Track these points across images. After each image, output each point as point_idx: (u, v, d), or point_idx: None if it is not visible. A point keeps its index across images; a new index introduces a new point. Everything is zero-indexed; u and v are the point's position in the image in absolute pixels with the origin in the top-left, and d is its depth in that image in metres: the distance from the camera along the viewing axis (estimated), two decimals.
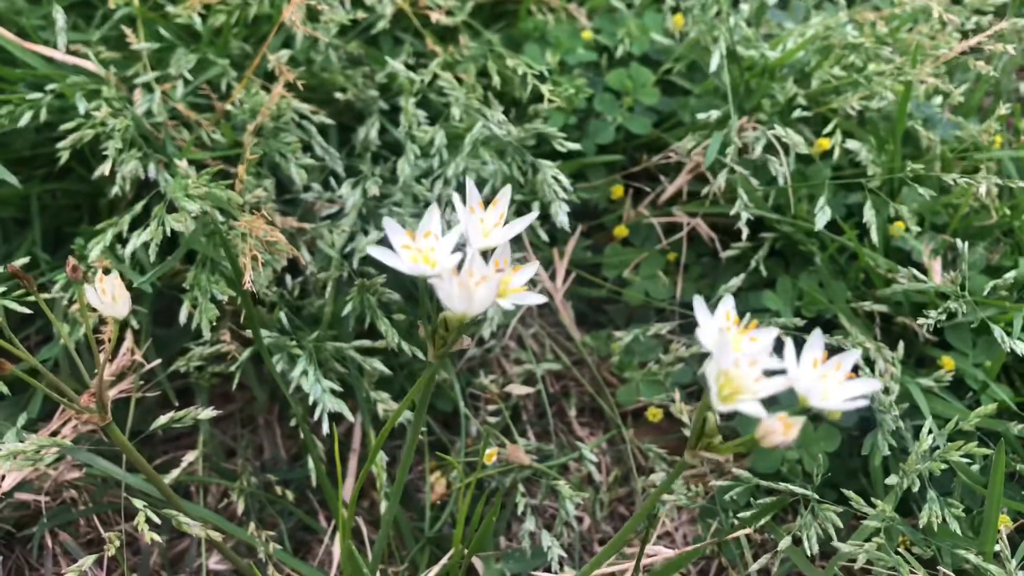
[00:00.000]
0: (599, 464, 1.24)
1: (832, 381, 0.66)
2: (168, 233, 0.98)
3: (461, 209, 0.72)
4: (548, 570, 1.11)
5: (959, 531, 0.92)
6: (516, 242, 1.28)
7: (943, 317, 1.06)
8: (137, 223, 1.09)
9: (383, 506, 1.07)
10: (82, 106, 1.16)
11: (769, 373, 0.65)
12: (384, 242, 0.72)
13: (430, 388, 0.78)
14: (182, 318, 1.01)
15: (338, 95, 1.25)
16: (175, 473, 1.06)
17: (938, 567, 0.93)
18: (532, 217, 0.75)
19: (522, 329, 1.33)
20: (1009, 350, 1.05)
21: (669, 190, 1.34)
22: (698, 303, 0.68)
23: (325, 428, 1.01)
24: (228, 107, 1.20)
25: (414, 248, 0.71)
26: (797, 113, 1.27)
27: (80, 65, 1.22)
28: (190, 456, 1.07)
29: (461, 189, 1.22)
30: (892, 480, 0.94)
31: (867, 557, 0.89)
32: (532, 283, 1.30)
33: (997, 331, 1.06)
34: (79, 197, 1.31)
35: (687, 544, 1.21)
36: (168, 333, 1.18)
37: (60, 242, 1.29)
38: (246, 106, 1.15)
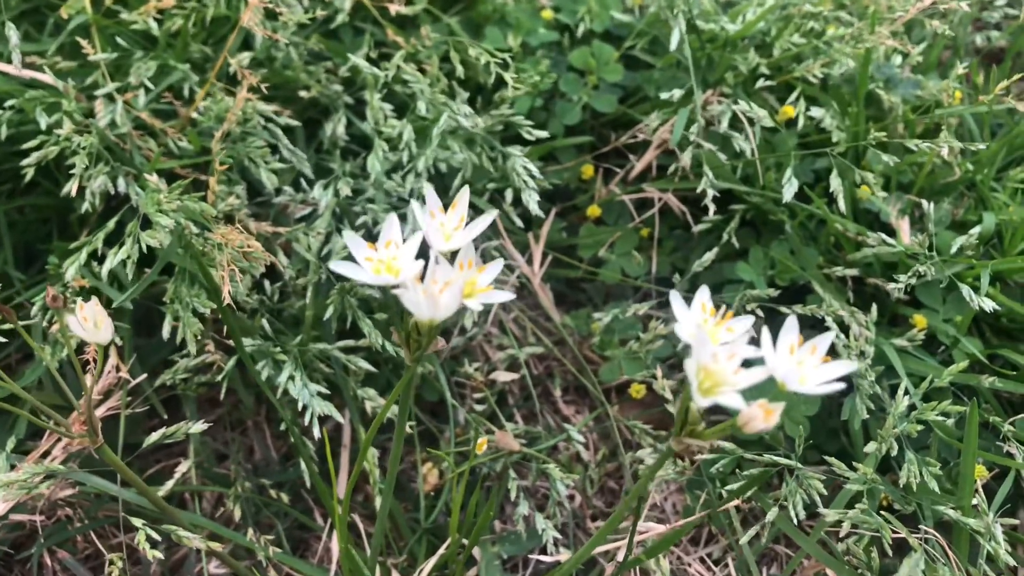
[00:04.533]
0: (587, 442, 1.26)
1: (809, 366, 0.68)
2: (144, 249, 0.98)
3: (420, 215, 0.73)
4: (543, 551, 1.13)
5: (937, 488, 0.95)
6: (491, 228, 1.29)
7: (912, 280, 1.08)
8: (112, 239, 1.09)
9: (378, 501, 1.09)
10: (43, 121, 1.14)
11: (748, 362, 0.67)
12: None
13: (411, 389, 0.79)
14: (165, 333, 1.01)
15: (302, 94, 1.24)
16: (169, 485, 1.07)
17: (919, 524, 0.96)
18: (491, 217, 0.75)
19: (503, 314, 1.34)
20: (977, 307, 1.07)
21: (638, 167, 1.35)
22: (675, 298, 0.70)
23: (316, 432, 1.02)
24: (193, 113, 1.19)
25: (376, 259, 0.72)
26: (761, 83, 1.28)
27: (37, 78, 1.21)
28: (183, 467, 1.08)
29: (432, 180, 1.23)
30: (871, 447, 0.97)
31: (852, 522, 0.92)
32: (509, 268, 1.32)
33: (965, 289, 1.09)
34: (47, 211, 1.30)
35: (677, 514, 1.24)
36: (151, 343, 1.18)
37: (32, 259, 1.29)
38: (211, 112, 1.15)
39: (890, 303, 1.27)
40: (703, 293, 0.71)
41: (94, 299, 0.73)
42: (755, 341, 0.68)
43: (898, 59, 1.37)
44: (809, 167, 1.34)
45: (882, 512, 0.99)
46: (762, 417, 0.65)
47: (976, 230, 1.24)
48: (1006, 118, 1.44)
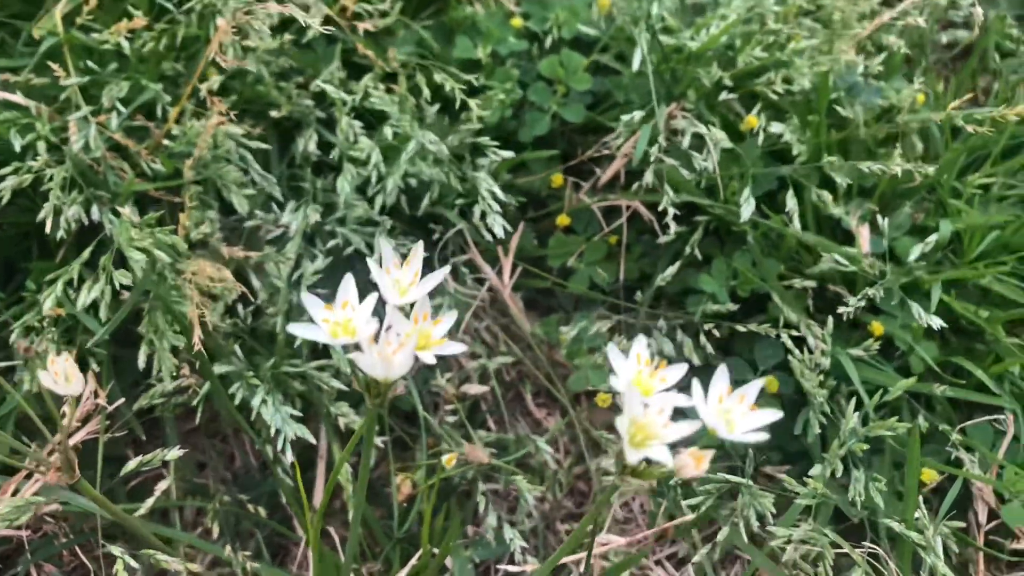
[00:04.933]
0: (557, 449, 1.31)
1: (737, 414, 0.72)
2: (117, 287, 1.02)
3: (377, 272, 0.76)
4: (512, 559, 1.18)
5: (882, 504, 0.99)
6: (460, 242, 1.32)
7: (862, 303, 1.12)
8: (90, 262, 1.12)
9: (352, 513, 1.13)
10: (17, 143, 1.17)
11: (681, 411, 0.71)
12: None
13: (373, 429, 0.83)
14: (141, 363, 1.05)
15: (273, 114, 1.26)
16: (149, 502, 1.11)
17: (869, 534, 1.01)
18: (443, 273, 0.79)
19: (476, 323, 1.37)
20: (925, 324, 1.11)
21: (605, 177, 1.38)
22: (612, 351, 0.73)
23: (289, 457, 1.06)
24: (165, 138, 1.22)
25: (333, 321, 0.75)
26: (724, 95, 1.30)
27: (10, 100, 1.23)
28: (162, 485, 1.12)
29: (403, 194, 1.26)
30: (816, 471, 1.01)
31: (799, 538, 0.97)
32: (479, 281, 1.35)
33: (915, 308, 1.12)
34: (26, 226, 1.33)
35: (644, 514, 1.28)
36: (130, 353, 1.22)
37: (12, 274, 1.32)
38: (184, 137, 1.17)
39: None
40: (639, 344, 0.75)
41: (65, 354, 0.76)
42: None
43: (861, 67, 1.39)
44: (773, 175, 1.37)
45: (832, 524, 1.04)
46: (693, 464, 0.69)
47: (933, 238, 1.27)
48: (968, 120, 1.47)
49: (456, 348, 0.77)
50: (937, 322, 1.11)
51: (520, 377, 1.40)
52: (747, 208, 1.16)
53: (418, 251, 0.79)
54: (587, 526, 0.84)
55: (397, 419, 1.31)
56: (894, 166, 1.27)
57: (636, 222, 1.42)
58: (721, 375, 0.73)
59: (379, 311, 0.77)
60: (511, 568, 1.10)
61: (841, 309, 1.11)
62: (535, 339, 1.32)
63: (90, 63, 1.23)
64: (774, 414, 0.72)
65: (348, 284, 0.77)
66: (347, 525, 1.27)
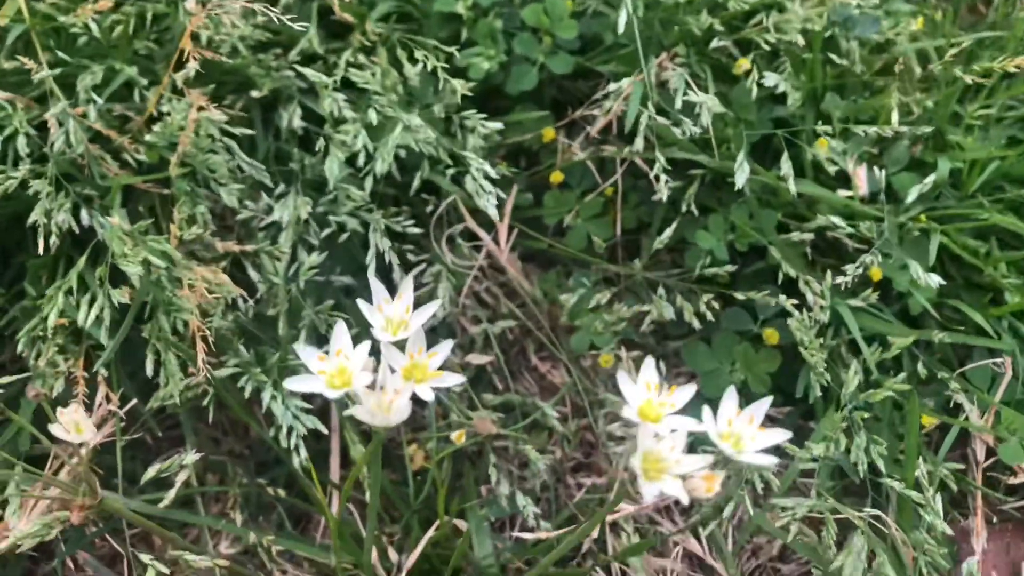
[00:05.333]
0: (563, 399, 1.33)
1: (747, 436, 0.73)
2: (116, 305, 1.01)
3: (368, 311, 0.76)
4: (525, 521, 1.22)
5: (884, 468, 1.02)
6: (454, 212, 1.31)
7: (860, 272, 1.12)
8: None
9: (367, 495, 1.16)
10: None
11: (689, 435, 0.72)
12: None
13: (379, 452, 0.85)
14: (149, 371, 1.06)
15: (254, 94, 1.23)
16: (172, 494, 1.14)
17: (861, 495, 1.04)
18: (435, 306, 0.79)
19: (476, 285, 1.38)
20: (924, 284, 1.11)
21: (595, 128, 1.35)
22: (622, 378, 0.74)
23: (304, 453, 1.08)
24: (146, 124, 1.19)
25: (329, 372, 0.76)
26: (716, 43, 1.27)
27: None
28: (182, 475, 1.15)
29: (389, 175, 1.24)
30: (818, 449, 1.03)
31: (802, 514, 1.00)
32: (476, 249, 1.34)
33: (913, 267, 1.12)
34: (15, 215, 1.31)
35: None
36: (134, 348, 1.22)
37: (6, 265, 1.31)
38: (165, 128, 1.14)
39: (848, 254, 1.30)
40: (648, 366, 0.75)
41: (74, 405, 0.77)
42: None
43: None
44: (768, 116, 1.34)
45: (830, 479, 1.08)
46: (705, 487, 0.71)
47: (931, 178, 1.26)
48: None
49: (454, 380, 0.78)
50: (936, 280, 1.11)
51: (523, 334, 1.41)
52: (742, 174, 1.14)
53: (408, 284, 0.79)
54: (585, 534, 0.87)
55: None
56: (889, 97, 1.25)
57: (632, 168, 1.40)
58: (729, 397, 0.74)
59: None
60: (526, 535, 1.14)
61: (839, 279, 1.11)
62: (537, 306, 1.33)
63: (60, 53, 1.19)
64: (780, 434, 0.73)
65: (340, 332, 0.77)
66: (363, 490, 1.30)
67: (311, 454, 1.18)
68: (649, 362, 0.76)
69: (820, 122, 1.29)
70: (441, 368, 0.79)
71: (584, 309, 1.32)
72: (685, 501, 0.69)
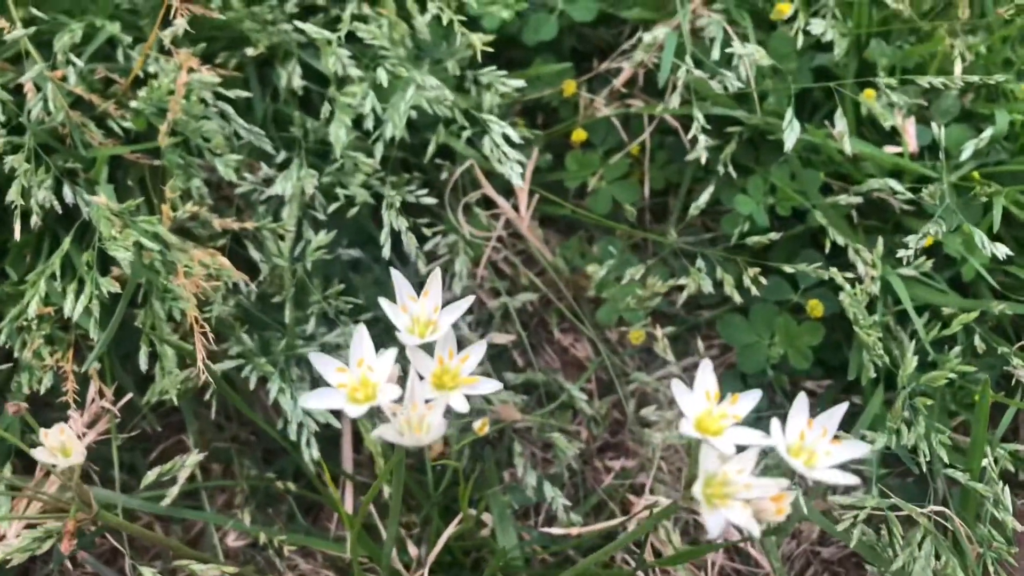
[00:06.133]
0: (590, 393, 1.25)
1: (820, 450, 0.64)
2: (106, 295, 0.92)
3: (392, 312, 0.67)
4: (550, 507, 1.14)
5: (946, 458, 0.94)
6: (471, 178, 1.21)
7: (922, 243, 1.02)
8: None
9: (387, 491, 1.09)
10: None
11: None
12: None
13: (402, 467, 0.77)
14: (143, 365, 0.97)
15: (249, 51, 1.12)
16: (175, 491, 1.06)
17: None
18: (468, 302, 0.70)
19: (494, 255, 1.28)
20: (990, 253, 1.02)
21: (620, 81, 1.24)
22: (677, 387, 0.65)
23: (315, 452, 1.00)
24: (131, 89, 1.09)
25: (350, 384, 0.66)
26: None
27: None
28: (185, 473, 1.07)
29: (403, 144, 1.13)
30: (880, 442, 0.94)
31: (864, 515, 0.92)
32: (494, 217, 1.25)
33: (977, 235, 1.02)
34: None
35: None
36: (127, 338, 1.14)
37: None
38: (153, 92, 1.04)
39: (895, 215, 1.21)
40: (706, 373, 0.66)
41: (59, 426, 0.68)
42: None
43: None
44: (807, 67, 1.24)
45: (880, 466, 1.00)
46: (774, 510, 0.62)
47: (988, 132, 1.16)
48: None
49: (491, 386, 0.69)
50: (1003, 250, 1.01)
51: (543, 306, 1.32)
52: (792, 133, 1.04)
53: (435, 280, 0.70)
54: (629, 540, 0.79)
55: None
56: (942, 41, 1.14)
57: (659, 125, 1.29)
58: (800, 406, 0.65)
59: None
60: (555, 531, 1.06)
61: (902, 253, 1.01)
62: (560, 276, 1.23)
63: (35, 10, 1.08)
64: (859, 447, 0.64)
65: (362, 338, 0.67)
66: (375, 476, 1.22)
67: (320, 440, 1.10)
68: (706, 366, 0.67)
69: (864, 72, 1.18)
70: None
71: (610, 280, 1.22)
72: (757, 534, 0.61)
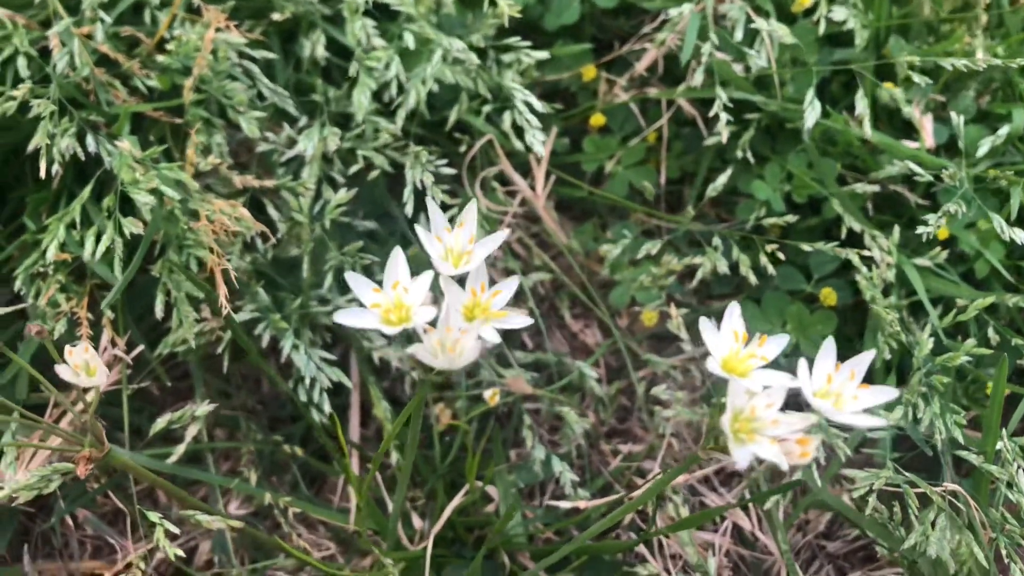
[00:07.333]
0: (597, 360, 1.24)
1: (847, 394, 0.64)
2: (128, 236, 0.92)
3: (426, 239, 0.67)
4: (558, 483, 1.14)
5: (961, 438, 0.94)
6: (489, 152, 1.21)
7: (941, 223, 1.02)
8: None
9: (393, 456, 1.08)
10: None
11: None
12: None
13: (421, 408, 0.76)
14: (158, 312, 0.97)
15: (275, 16, 1.13)
16: (181, 449, 1.05)
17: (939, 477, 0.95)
18: (503, 236, 0.70)
19: (509, 237, 1.28)
20: (1008, 239, 1.02)
21: (641, 66, 1.25)
22: (705, 325, 0.65)
23: (327, 407, 0.99)
24: (157, 48, 1.09)
25: (384, 305, 0.67)
26: None
27: None
28: (192, 430, 1.06)
29: (424, 122, 1.14)
30: (895, 416, 0.94)
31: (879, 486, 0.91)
32: (511, 194, 1.25)
33: (996, 220, 1.03)
34: (12, 147, 1.21)
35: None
36: (140, 290, 1.13)
37: (5, 201, 1.21)
38: (179, 49, 1.04)
39: (909, 209, 1.21)
40: (734, 315, 0.66)
41: (83, 343, 0.68)
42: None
43: None
44: (827, 58, 1.24)
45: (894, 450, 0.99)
46: (798, 452, 0.62)
47: (1005, 130, 1.16)
48: None
49: (520, 321, 0.69)
50: (1022, 235, 1.02)
51: (556, 289, 1.32)
52: (812, 113, 1.04)
53: (472, 210, 0.70)
54: (639, 504, 0.78)
55: None
56: (960, 40, 1.15)
57: (676, 114, 1.30)
58: (827, 350, 0.65)
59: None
60: (562, 503, 1.05)
61: (921, 229, 1.01)
62: (572, 254, 1.23)
63: None
64: (888, 392, 0.64)
65: (397, 260, 0.68)
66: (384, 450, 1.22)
67: (335, 433, 1.09)
68: (734, 308, 0.67)
69: (883, 68, 1.19)
70: None
71: (624, 262, 1.22)
72: (785, 467, 0.60)
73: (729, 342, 0.66)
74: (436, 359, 0.65)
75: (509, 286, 0.70)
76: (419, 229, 0.68)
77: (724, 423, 0.61)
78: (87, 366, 0.68)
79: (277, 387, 0.98)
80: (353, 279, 0.67)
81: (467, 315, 0.69)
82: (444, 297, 0.68)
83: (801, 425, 0.61)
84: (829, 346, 0.65)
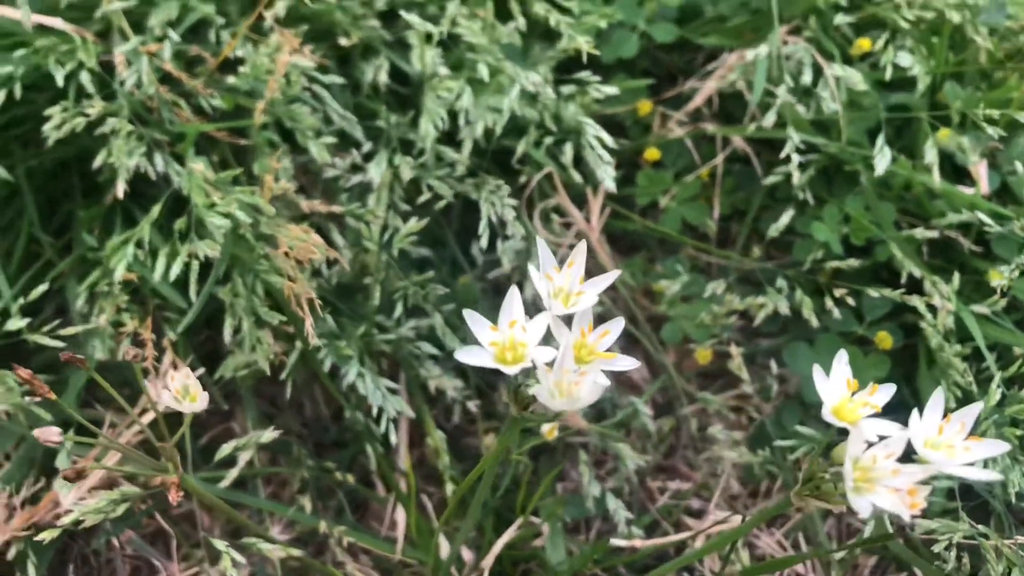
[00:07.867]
0: (650, 402, 1.24)
1: (959, 445, 0.64)
2: (203, 259, 0.91)
3: (538, 280, 0.67)
4: (605, 518, 1.13)
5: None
6: (548, 184, 1.21)
7: (1016, 274, 1.02)
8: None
9: (448, 487, 1.07)
10: (59, 74, 1.05)
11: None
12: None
13: (515, 439, 0.76)
14: (227, 337, 0.96)
15: (343, 41, 1.13)
16: (234, 474, 1.04)
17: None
18: (614, 276, 0.70)
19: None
20: None
21: (695, 102, 1.26)
22: (817, 373, 0.65)
23: (394, 438, 0.98)
24: (219, 68, 1.09)
25: (501, 344, 0.66)
26: (840, 19, 1.18)
27: (47, 24, 1.09)
28: (245, 456, 1.05)
29: (479, 150, 1.14)
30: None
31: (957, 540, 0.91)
32: (566, 226, 1.25)
33: None
34: (65, 159, 1.21)
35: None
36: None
37: (53, 210, 1.20)
38: (249, 72, 1.04)
39: (961, 255, 1.22)
40: (841, 360, 0.66)
41: (185, 369, 0.67)
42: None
43: None
44: (884, 103, 1.25)
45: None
46: (908, 507, 0.61)
47: None
48: None
49: (629, 364, 0.68)
50: None
51: (601, 322, 1.31)
52: (883, 160, 1.05)
53: (582, 250, 0.69)
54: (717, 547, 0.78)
55: (483, 382, 1.23)
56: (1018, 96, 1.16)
57: (730, 152, 1.31)
58: (936, 401, 0.65)
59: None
60: (620, 542, 1.04)
61: (995, 282, 1.01)
62: (624, 287, 1.23)
63: None
64: (999, 445, 0.64)
65: (514, 299, 0.67)
66: (430, 480, 1.20)
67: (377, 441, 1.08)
68: (842, 356, 0.67)
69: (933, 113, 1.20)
70: None
71: (677, 298, 1.22)
72: (907, 518, 0.60)
73: (841, 389, 0.66)
74: (554, 400, 0.64)
75: (616, 327, 0.70)
76: (531, 268, 0.68)
77: (847, 473, 0.60)
78: (186, 390, 0.67)
79: (348, 414, 0.97)
80: (471, 317, 0.67)
81: (577, 355, 0.69)
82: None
83: (921, 476, 0.61)
84: (938, 397, 0.65)
